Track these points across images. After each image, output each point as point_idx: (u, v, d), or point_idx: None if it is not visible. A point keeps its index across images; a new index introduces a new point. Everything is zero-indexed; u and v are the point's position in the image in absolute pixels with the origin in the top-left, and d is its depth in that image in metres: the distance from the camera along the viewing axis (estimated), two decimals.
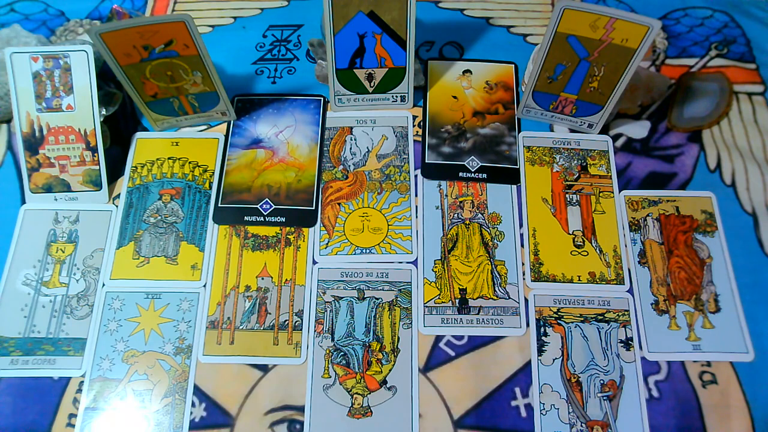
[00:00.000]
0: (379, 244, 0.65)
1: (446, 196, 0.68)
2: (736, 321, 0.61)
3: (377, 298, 0.62)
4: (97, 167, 0.66)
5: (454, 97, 0.74)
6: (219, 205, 0.67)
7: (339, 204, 0.67)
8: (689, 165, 0.70)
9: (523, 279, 0.63)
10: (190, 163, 0.69)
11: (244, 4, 0.83)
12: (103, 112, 0.68)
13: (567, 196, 0.67)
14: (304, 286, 0.63)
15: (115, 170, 0.69)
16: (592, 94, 0.66)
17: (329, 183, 0.68)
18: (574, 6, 0.58)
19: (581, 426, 0.56)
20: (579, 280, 0.63)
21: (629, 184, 0.68)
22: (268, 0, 0.83)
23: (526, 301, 0.62)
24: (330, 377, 0.59)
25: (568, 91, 0.67)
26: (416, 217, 0.66)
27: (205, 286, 0.63)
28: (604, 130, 0.71)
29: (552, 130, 0.72)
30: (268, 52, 0.79)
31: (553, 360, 0.59)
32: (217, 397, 0.58)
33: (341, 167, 0.69)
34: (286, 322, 0.61)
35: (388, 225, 0.66)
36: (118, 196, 0.68)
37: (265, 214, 0.66)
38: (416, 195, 0.68)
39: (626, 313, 0.61)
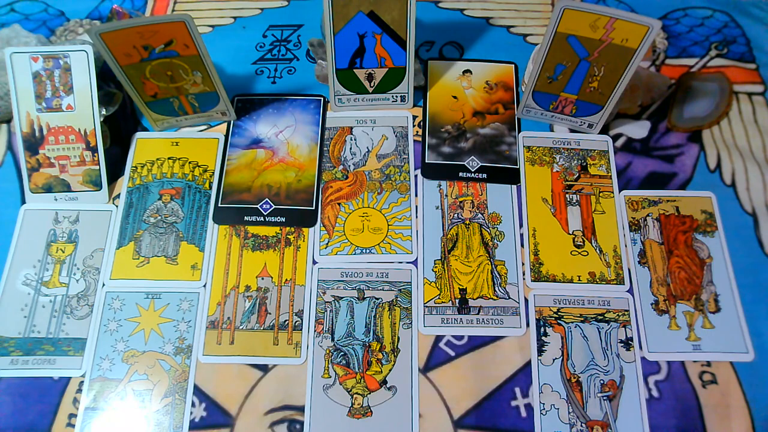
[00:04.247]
0: (379, 244, 0.65)
1: (446, 196, 0.68)
2: (736, 321, 0.61)
3: (377, 298, 0.62)
4: (97, 167, 0.66)
5: (454, 97, 0.74)
6: (219, 205, 0.67)
7: (339, 204, 0.67)
8: (689, 165, 0.70)
9: (523, 279, 0.63)
10: (190, 163, 0.69)
11: (244, 4, 0.83)
12: (103, 112, 0.68)
13: (567, 196, 0.67)
14: (304, 286, 0.63)
15: (115, 170, 0.69)
16: (592, 94, 0.66)
17: (329, 183, 0.68)
18: (574, 6, 0.58)
19: (581, 426, 0.56)
20: (579, 280, 0.63)
21: (629, 184, 0.68)
22: (268, 0, 0.83)
23: (526, 301, 0.62)
24: (330, 377, 0.59)
25: (568, 91, 0.67)
26: (416, 217, 0.66)
27: (205, 286, 0.63)
28: (604, 130, 0.71)
29: (552, 130, 0.72)
30: (268, 52, 0.79)
31: (553, 360, 0.59)
32: (217, 397, 0.58)
33: (341, 167, 0.69)
34: (286, 322, 0.61)
35: (388, 225, 0.66)
36: (118, 196, 0.68)
37: (265, 214, 0.66)
38: (416, 195, 0.68)
39: (626, 313, 0.61)
